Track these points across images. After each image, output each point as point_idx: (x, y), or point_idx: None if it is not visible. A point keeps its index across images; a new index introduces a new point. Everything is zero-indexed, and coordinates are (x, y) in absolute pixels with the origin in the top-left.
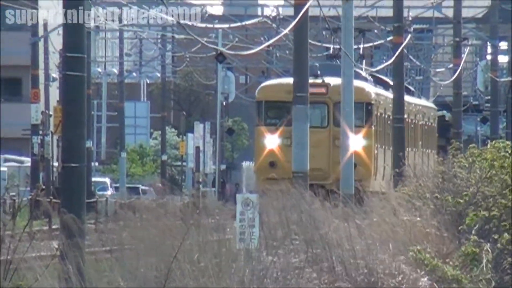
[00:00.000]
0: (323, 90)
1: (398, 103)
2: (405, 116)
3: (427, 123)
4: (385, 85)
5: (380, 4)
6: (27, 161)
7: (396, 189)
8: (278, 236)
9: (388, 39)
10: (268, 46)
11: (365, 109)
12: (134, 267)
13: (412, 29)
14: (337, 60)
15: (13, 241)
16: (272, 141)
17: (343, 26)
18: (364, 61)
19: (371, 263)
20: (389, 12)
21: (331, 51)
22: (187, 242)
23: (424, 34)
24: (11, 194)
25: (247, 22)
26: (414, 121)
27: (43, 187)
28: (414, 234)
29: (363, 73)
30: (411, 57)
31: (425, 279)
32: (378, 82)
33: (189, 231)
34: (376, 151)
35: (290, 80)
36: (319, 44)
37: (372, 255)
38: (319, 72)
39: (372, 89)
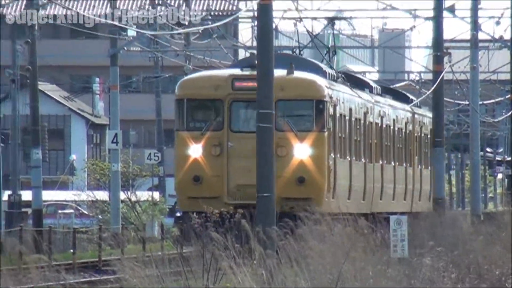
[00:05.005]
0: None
1: None
2: (387, 123)
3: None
4: (361, 85)
5: (499, 70)
6: None
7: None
8: (425, 247)
9: (507, 96)
10: None
11: (314, 108)
12: (313, 271)
13: None
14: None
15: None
16: (196, 150)
17: (471, 87)
18: (330, 54)
19: (499, 267)
20: (507, 76)
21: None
22: (354, 252)
23: None
24: None
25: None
26: (404, 130)
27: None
28: None
29: (326, 68)
30: None
31: None
32: (351, 80)
33: (355, 244)
34: (331, 162)
35: (218, 72)
36: (452, 101)
37: (500, 261)
38: (256, 62)
39: (325, 83)
